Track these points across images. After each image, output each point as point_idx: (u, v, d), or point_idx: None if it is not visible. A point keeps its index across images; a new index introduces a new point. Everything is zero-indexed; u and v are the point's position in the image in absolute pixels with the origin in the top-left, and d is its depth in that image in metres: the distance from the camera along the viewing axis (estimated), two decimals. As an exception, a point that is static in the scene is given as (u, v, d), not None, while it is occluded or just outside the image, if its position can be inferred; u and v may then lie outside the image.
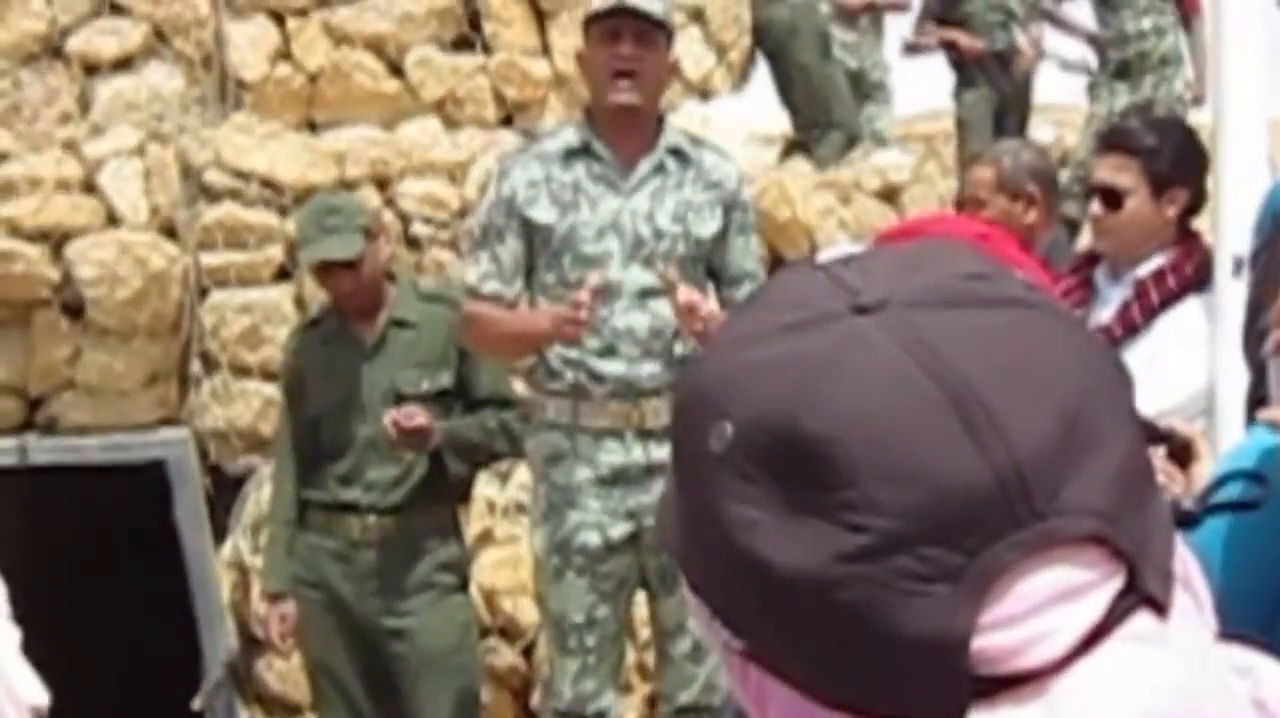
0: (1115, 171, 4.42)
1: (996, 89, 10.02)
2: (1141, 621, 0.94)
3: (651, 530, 4.87)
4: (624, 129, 4.90)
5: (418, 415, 5.22)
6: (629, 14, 4.79)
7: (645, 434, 4.87)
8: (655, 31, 4.84)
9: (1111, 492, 0.93)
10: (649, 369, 4.86)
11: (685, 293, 4.66)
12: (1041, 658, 0.92)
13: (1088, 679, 0.92)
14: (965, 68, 10.10)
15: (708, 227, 4.91)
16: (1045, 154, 5.73)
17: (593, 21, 4.87)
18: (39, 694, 1.69)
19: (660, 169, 4.91)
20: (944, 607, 0.90)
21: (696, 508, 0.98)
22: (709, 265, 4.96)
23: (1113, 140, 4.55)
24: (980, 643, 0.91)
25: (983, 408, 0.91)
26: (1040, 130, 11.23)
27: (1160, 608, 0.94)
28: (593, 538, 4.89)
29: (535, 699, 6.55)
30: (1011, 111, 10.11)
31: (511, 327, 4.95)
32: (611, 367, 4.86)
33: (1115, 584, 0.94)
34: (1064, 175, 10.82)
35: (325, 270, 5.42)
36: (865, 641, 0.91)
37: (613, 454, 4.87)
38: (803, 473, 0.92)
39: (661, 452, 4.83)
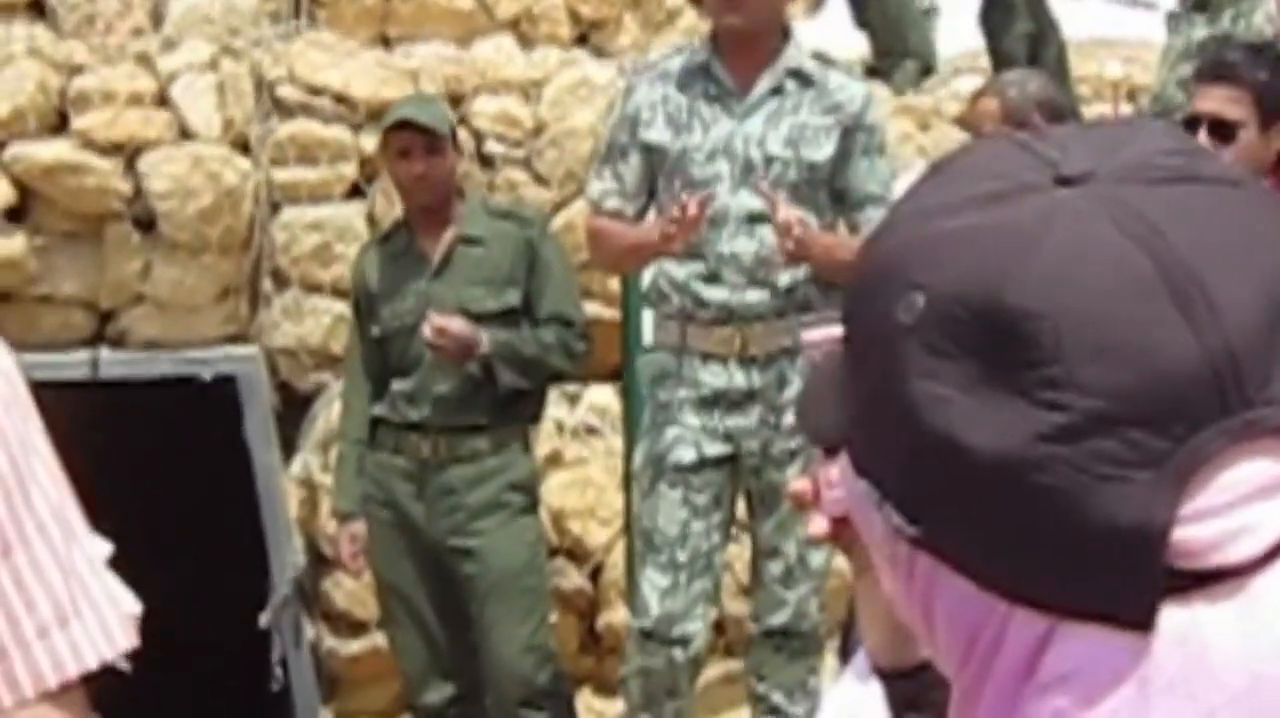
0: (1226, 103, 4.34)
1: (1033, 19, 9.89)
2: None
3: (750, 455, 4.88)
4: (741, 51, 4.86)
5: (456, 323, 5.21)
6: None
7: (748, 360, 4.87)
8: None
9: None
10: (753, 296, 4.84)
11: (785, 211, 4.64)
12: (1241, 555, 0.86)
13: None
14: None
15: (821, 150, 4.84)
16: (1051, 84, 5.63)
17: None
18: (133, 603, 1.68)
19: (778, 91, 4.86)
20: (1144, 494, 0.86)
21: (876, 385, 0.93)
22: (833, 189, 4.90)
23: (1221, 71, 4.46)
24: (1179, 535, 0.86)
25: (1198, 287, 0.86)
26: (1110, 66, 11.12)
27: None
28: (688, 453, 4.91)
29: (601, 622, 6.55)
30: (1047, 43, 9.98)
31: (626, 240, 5.00)
32: (715, 293, 4.85)
33: None
34: (1130, 110, 10.71)
35: (402, 154, 5.38)
36: (1057, 528, 0.86)
37: (715, 377, 4.89)
38: (1002, 348, 0.87)
39: (763, 378, 4.85)
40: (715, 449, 4.92)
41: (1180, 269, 0.87)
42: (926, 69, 8.84)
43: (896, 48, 8.75)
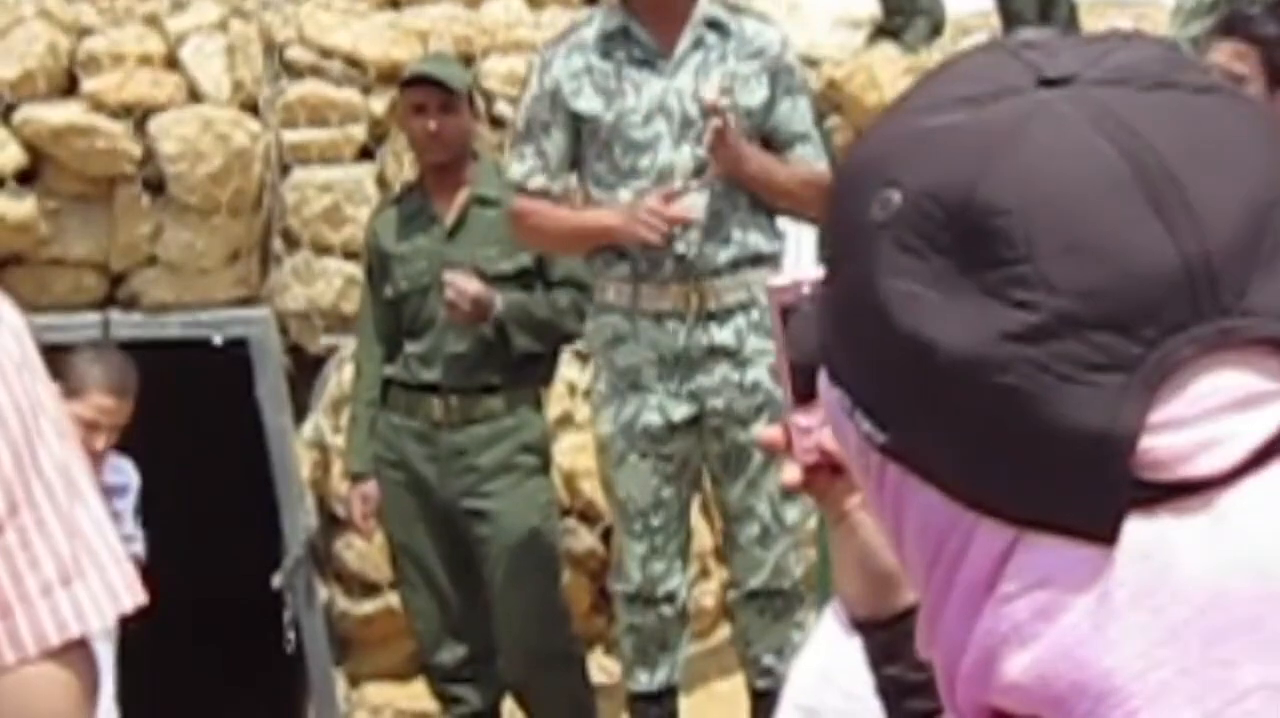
0: (1232, 58, 4.29)
1: None
2: None
3: (714, 414, 4.87)
4: (657, 11, 4.89)
5: (473, 285, 5.21)
6: None
7: (706, 316, 4.86)
8: None
9: None
10: (707, 249, 4.83)
11: (715, 100, 4.66)
12: (1210, 468, 0.84)
13: (1258, 498, 0.84)
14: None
15: (755, 95, 4.89)
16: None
17: None
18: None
19: (699, 44, 4.88)
20: (1113, 399, 0.83)
21: (851, 285, 0.91)
22: (762, 134, 4.93)
23: (1233, 25, 4.42)
24: (1146, 444, 0.83)
25: (1175, 189, 0.84)
26: (1120, 25, 11.06)
27: None
28: (654, 419, 4.90)
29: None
30: (1057, 1, 9.90)
31: (570, 223, 4.97)
32: (669, 249, 4.83)
33: None
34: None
35: (417, 110, 5.39)
36: (1020, 432, 0.84)
37: (673, 337, 4.86)
38: (974, 245, 0.85)
39: (723, 333, 4.84)
40: (681, 412, 4.91)
41: (1157, 172, 0.85)
42: (937, 27, 8.80)
43: (907, 6, 8.71)
